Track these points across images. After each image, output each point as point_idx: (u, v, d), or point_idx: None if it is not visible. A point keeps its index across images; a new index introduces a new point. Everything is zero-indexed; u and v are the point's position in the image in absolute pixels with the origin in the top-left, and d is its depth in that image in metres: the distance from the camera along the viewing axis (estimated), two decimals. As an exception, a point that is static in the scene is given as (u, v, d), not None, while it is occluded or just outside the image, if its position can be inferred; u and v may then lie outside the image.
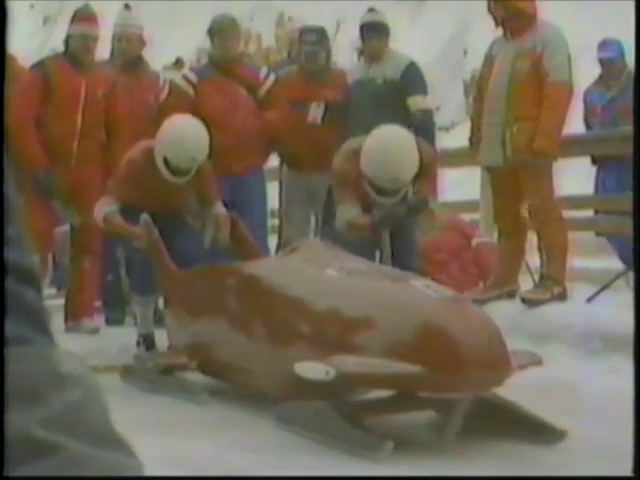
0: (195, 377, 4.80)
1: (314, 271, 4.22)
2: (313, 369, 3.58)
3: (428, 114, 6.27)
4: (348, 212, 4.94)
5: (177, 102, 6.30)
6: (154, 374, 4.89)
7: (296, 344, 3.97)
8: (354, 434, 3.60)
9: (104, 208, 5.37)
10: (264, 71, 6.53)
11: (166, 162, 5.22)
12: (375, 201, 4.91)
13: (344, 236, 4.89)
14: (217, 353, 4.62)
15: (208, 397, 4.52)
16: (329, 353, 3.67)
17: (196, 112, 6.06)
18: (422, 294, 3.78)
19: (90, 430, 0.83)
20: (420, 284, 3.90)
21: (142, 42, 6.78)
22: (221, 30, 6.40)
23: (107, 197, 5.41)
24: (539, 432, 3.70)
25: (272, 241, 6.73)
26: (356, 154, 4.87)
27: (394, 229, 5.19)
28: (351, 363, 3.61)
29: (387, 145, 4.75)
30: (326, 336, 3.86)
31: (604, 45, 7.31)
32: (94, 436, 0.83)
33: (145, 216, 5.19)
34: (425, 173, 4.90)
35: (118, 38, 6.73)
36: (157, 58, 8.33)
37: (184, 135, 5.21)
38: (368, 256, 4.79)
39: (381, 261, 5.12)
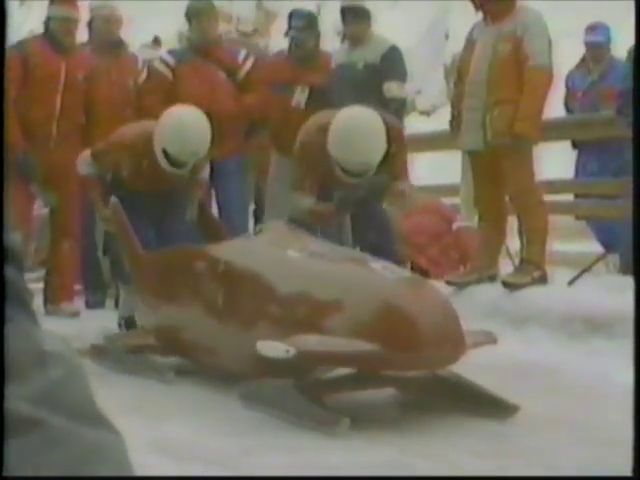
0: (163, 358, 4.82)
1: (278, 253, 4.27)
2: (274, 348, 3.65)
3: (401, 103, 6.22)
4: (303, 202, 4.94)
5: (156, 85, 6.27)
6: (122, 354, 4.91)
7: (263, 325, 4.03)
8: (312, 411, 3.69)
9: (86, 167, 5.34)
10: (243, 54, 6.50)
11: (165, 153, 5.08)
12: (341, 180, 4.87)
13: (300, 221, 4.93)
14: (185, 334, 4.67)
15: (175, 377, 4.55)
16: (294, 334, 3.74)
17: (174, 95, 6.05)
18: (381, 276, 3.86)
19: (72, 406, 0.84)
20: (378, 266, 3.97)
21: (119, 24, 6.73)
22: (198, 13, 6.37)
23: (91, 158, 5.33)
24: (492, 407, 3.78)
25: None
26: (322, 130, 4.80)
27: (362, 212, 5.20)
28: (311, 342, 3.70)
29: (354, 130, 4.69)
30: (293, 318, 3.93)
31: (592, 29, 7.29)
32: (76, 412, 0.84)
33: (114, 199, 5.15)
34: (394, 151, 4.85)
35: (94, 20, 6.69)
36: (137, 40, 8.29)
37: (186, 128, 5.04)
38: (335, 236, 4.84)
39: (342, 243, 5.16)
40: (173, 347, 4.77)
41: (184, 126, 5.05)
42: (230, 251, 4.57)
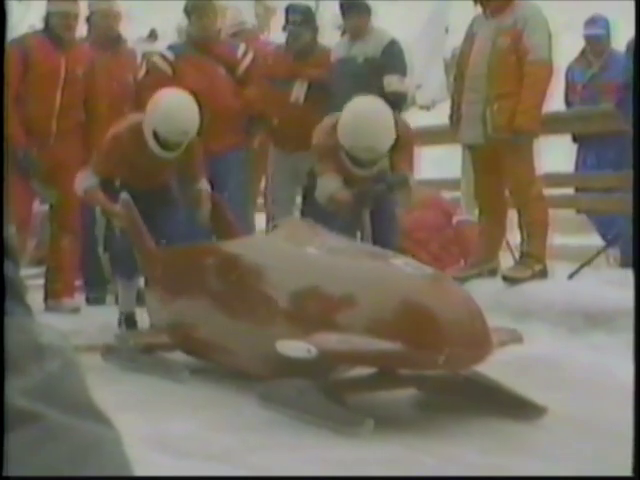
0: (176, 356, 4.80)
1: (294, 249, 4.23)
2: (295, 347, 3.58)
3: (401, 97, 6.21)
4: (330, 184, 4.96)
5: (155, 81, 6.26)
6: (135, 353, 4.88)
7: (277, 323, 3.97)
8: (335, 411, 3.62)
9: (84, 182, 5.34)
10: (242, 49, 6.50)
11: (155, 136, 5.14)
12: (353, 173, 4.89)
13: (325, 209, 4.92)
14: (198, 332, 4.62)
15: (189, 376, 4.52)
16: (311, 331, 3.68)
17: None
18: (402, 272, 3.79)
19: (69, 400, 0.84)
20: (400, 262, 3.91)
21: (118, 19, 6.72)
22: (197, 8, 6.37)
23: (88, 171, 5.35)
24: (519, 408, 3.71)
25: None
26: (335, 129, 4.89)
27: (374, 207, 5.20)
28: (332, 341, 3.61)
29: (363, 115, 4.77)
30: (308, 314, 3.86)
31: (592, 22, 7.27)
32: (73, 406, 0.84)
33: (125, 195, 5.16)
34: (402, 145, 4.91)
35: (93, 15, 6.67)
36: (136, 35, 8.28)
37: (175, 108, 5.14)
38: (350, 233, 4.81)
39: (362, 239, 5.13)
40: (186, 346, 4.73)
41: (172, 107, 5.14)
42: (246, 248, 4.53)
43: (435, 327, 3.55)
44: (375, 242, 5.02)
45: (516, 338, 3.96)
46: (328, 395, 3.69)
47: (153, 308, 5.11)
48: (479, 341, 3.60)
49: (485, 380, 3.85)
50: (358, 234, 5.23)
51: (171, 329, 4.81)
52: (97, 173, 5.30)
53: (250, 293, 4.24)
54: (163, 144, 5.16)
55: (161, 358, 4.81)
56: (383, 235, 5.27)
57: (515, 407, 3.72)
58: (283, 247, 4.31)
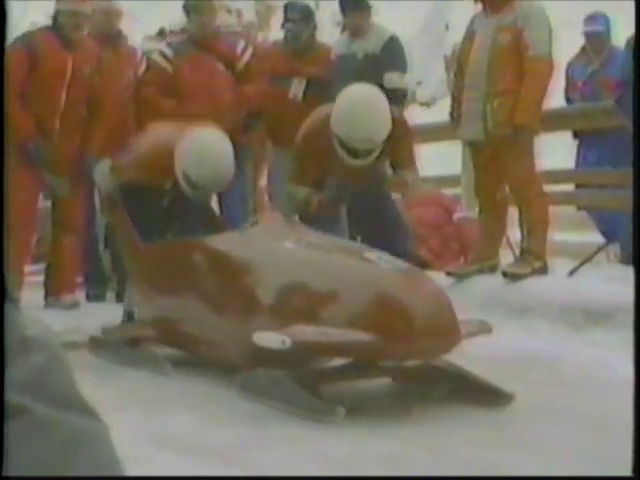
0: (160, 349, 4.82)
1: (275, 244, 4.29)
2: (270, 338, 3.69)
3: (401, 94, 6.20)
4: (299, 193, 5.02)
5: (155, 78, 6.27)
6: (120, 346, 4.91)
7: (260, 317, 4.04)
8: (308, 401, 3.72)
9: (105, 184, 5.29)
10: (241, 45, 6.50)
11: (186, 177, 4.83)
12: (345, 164, 4.84)
13: (296, 211, 4.96)
14: (183, 326, 4.69)
15: (172, 368, 4.55)
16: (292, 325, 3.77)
17: (174, 87, 6.06)
18: (376, 266, 3.89)
19: (56, 393, 0.84)
20: (373, 256, 3.99)
21: (119, 16, 6.71)
22: (196, 5, 6.37)
23: (110, 174, 5.23)
24: (489, 395, 3.81)
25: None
26: (326, 121, 4.79)
27: (372, 208, 5.20)
28: (307, 332, 3.73)
29: (359, 103, 4.71)
30: (290, 309, 3.95)
31: (592, 18, 7.27)
32: (60, 398, 0.84)
33: (112, 190, 5.13)
34: (398, 135, 4.85)
35: (94, 13, 6.65)
36: (139, 32, 8.27)
37: (208, 153, 4.79)
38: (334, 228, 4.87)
39: (340, 234, 5.17)
40: (171, 339, 4.78)
41: (205, 151, 4.81)
42: (227, 242, 4.58)
43: (406, 319, 3.68)
44: (382, 246, 4.96)
45: (485, 329, 4.04)
46: (302, 385, 3.79)
47: (138, 303, 5.15)
48: (448, 332, 3.73)
49: (455, 369, 3.95)
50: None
51: (156, 323, 4.87)
52: (116, 179, 5.22)
53: (233, 288, 4.32)
54: (194, 186, 4.87)
55: (145, 351, 4.84)
56: (386, 239, 5.19)
57: (483, 394, 3.82)
58: (263, 242, 4.37)
